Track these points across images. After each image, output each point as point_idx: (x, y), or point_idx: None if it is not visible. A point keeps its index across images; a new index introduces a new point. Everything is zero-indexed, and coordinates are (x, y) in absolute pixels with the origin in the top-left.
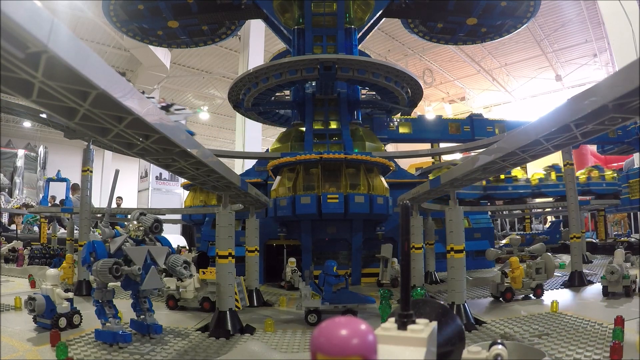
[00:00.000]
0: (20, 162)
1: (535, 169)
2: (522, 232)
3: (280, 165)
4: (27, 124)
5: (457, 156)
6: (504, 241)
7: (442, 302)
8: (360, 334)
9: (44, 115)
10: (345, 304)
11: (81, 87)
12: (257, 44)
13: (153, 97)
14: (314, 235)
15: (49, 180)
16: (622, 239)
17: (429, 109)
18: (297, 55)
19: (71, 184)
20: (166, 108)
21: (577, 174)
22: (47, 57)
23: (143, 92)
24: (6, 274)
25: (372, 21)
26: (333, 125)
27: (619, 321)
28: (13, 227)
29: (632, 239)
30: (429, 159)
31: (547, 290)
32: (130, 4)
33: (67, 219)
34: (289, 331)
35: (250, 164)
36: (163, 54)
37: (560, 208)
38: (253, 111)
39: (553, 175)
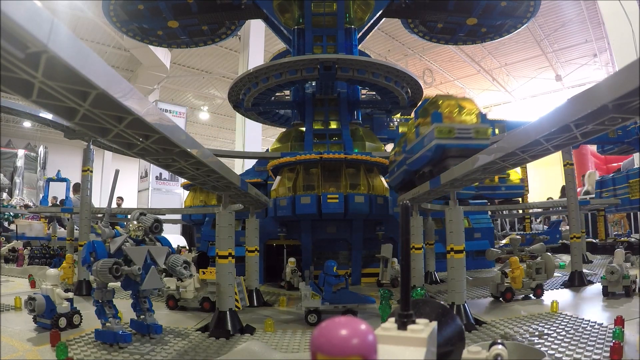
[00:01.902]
0: (20, 162)
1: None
2: (522, 232)
3: (280, 165)
4: (27, 124)
5: None
6: (504, 241)
7: (442, 302)
8: (360, 334)
9: (44, 115)
10: (345, 304)
11: (81, 87)
12: (257, 44)
13: None
14: (314, 235)
15: (49, 180)
16: (622, 239)
17: None
18: (297, 55)
19: (73, 184)
20: None
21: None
22: (47, 57)
23: None
24: (6, 274)
25: (372, 21)
26: (333, 125)
27: (619, 321)
28: (13, 227)
29: (632, 239)
30: None
31: (547, 290)
32: (130, 4)
33: (67, 219)
34: (289, 331)
35: (250, 164)
36: (163, 54)
37: (560, 208)
38: (253, 111)
39: (514, 176)
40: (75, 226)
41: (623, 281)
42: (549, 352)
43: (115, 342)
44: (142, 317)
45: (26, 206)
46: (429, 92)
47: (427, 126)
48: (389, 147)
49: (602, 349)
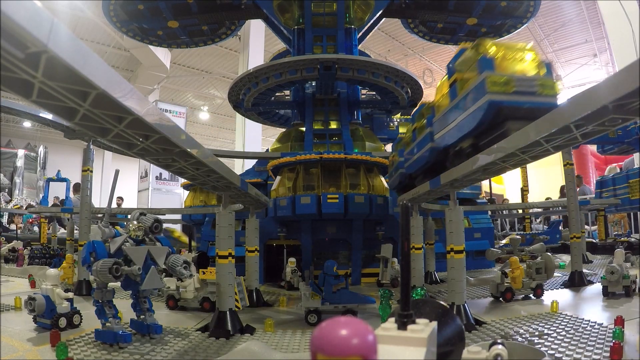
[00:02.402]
0: (20, 162)
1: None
2: (522, 232)
3: (280, 165)
4: (27, 124)
5: None
6: (504, 241)
7: (442, 302)
8: (360, 334)
9: (44, 115)
10: (345, 304)
11: (81, 87)
12: (257, 44)
13: None
14: (314, 235)
15: (49, 180)
16: (622, 239)
17: None
18: (297, 55)
19: (73, 184)
20: None
21: None
22: (47, 57)
23: None
24: (6, 274)
25: (372, 21)
26: (333, 125)
27: (619, 321)
28: (13, 227)
29: (632, 239)
30: None
31: (547, 290)
32: (130, 4)
33: (67, 219)
34: (289, 331)
35: (250, 164)
36: (163, 54)
37: (560, 208)
38: (253, 111)
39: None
40: (75, 226)
41: (623, 281)
42: (549, 352)
43: (115, 342)
44: (142, 317)
45: (29, 206)
46: (429, 92)
47: (470, 80)
48: (389, 147)
49: (602, 349)
